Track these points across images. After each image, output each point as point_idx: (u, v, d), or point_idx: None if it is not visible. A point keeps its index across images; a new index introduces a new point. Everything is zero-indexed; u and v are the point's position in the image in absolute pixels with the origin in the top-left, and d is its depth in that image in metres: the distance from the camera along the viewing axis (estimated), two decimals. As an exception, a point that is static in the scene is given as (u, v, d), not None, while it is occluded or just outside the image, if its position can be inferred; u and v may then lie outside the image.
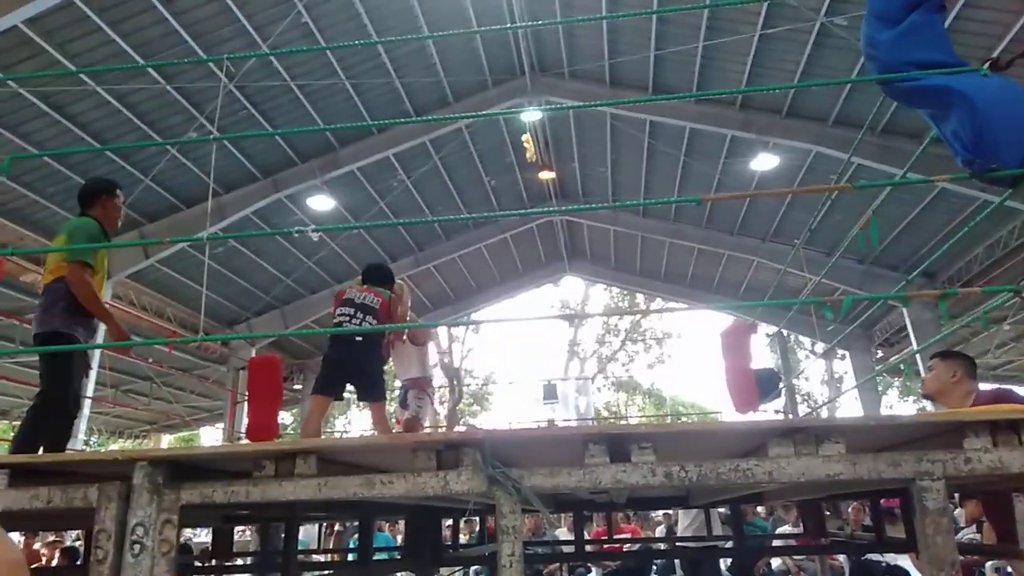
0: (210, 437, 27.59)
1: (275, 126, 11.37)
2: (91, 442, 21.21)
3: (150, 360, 15.98)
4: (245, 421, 7.34)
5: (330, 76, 10.88)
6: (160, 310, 14.69)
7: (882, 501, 4.97)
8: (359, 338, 4.54)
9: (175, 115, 10.50)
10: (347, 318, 4.58)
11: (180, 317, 15.14)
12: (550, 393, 20.04)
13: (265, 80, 10.50)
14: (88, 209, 4.10)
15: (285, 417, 24.04)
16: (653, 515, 11.20)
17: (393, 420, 6.10)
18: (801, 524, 6.52)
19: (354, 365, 4.59)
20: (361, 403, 5.13)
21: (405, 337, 5.47)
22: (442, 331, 28.66)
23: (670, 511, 8.72)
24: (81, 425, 11.54)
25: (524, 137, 13.52)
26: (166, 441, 25.28)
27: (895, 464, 1.99)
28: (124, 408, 18.09)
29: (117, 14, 8.72)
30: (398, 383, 5.88)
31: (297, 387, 19.25)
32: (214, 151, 10.33)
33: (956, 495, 5.97)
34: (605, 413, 30.44)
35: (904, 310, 13.47)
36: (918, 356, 13.13)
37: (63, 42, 8.75)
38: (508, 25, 10.68)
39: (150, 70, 9.46)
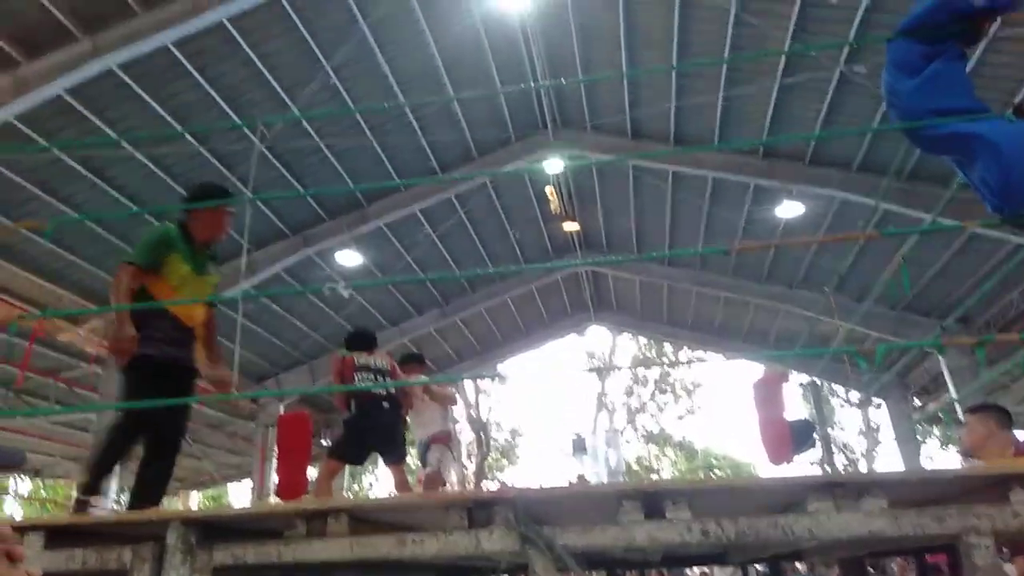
0: (239, 494, 27.52)
1: (304, 184, 11.64)
2: (121, 500, 21.25)
3: (180, 417, 16.10)
4: (275, 478, 7.34)
5: (357, 135, 11.16)
6: (191, 367, 14.85)
7: (927, 557, 4.78)
8: (387, 404, 4.61)
9: (208, 176, 10.77)
10: (375, 381, 4.68)
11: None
12: (579, 446, 19.77)
13: (295, 140, 10.79)
14: (186, 217, 3.87)
15: (313, 473, 23.87)
16: (688, 572, 10.87)
17: (414, 478, 6.11)
18: (843, 581, 6.28)
19: (383, 431, 4.65)
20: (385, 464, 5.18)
21: (426, 396, 5.56)
22: (468, 384, 28.61)
23: (706, 568, 8.47)
24: (112, 483, 11.60)
25: (548, 189, 13.68)
26: (195, 499, 25.24)
27: (940, 519, 1.93)
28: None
29: (154, 82, 9.07)
30: (418, 439, 5.91)
31: (325, 443, 19.21)
32: (248, 212, 10.59)
33: (1004, 550, 5.74)
34: (636, 467, 29.88)
35: (940, 357, 13.17)
36: (957, 404, 12.81)
37: (102, 109, 9.10)
38: (531, 83, 10.93)
39: (186, 135, 9.78)
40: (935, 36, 2.60)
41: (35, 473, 19.47)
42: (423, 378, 5.43)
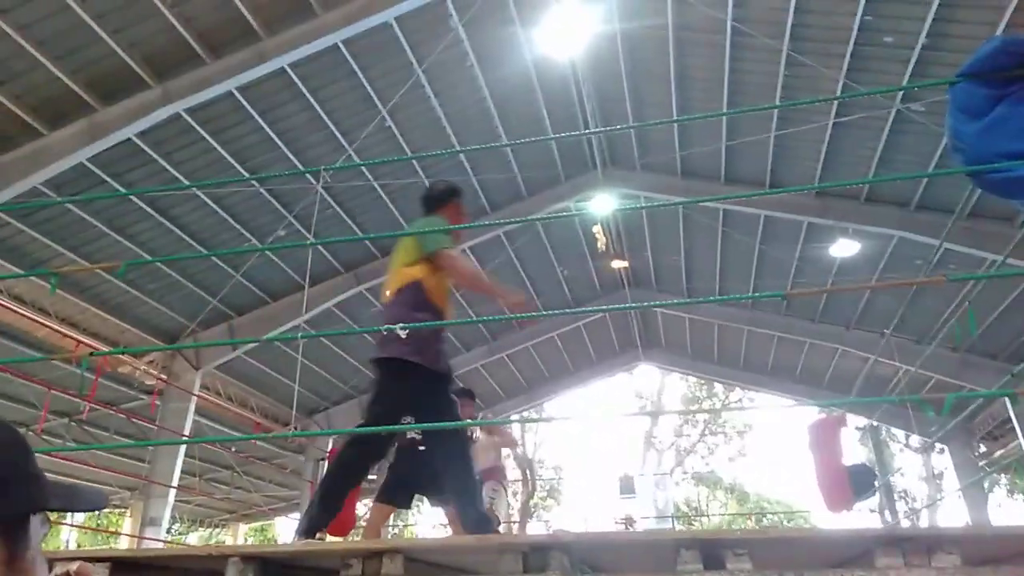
0: (286, 528, 27.69)
1: (358, 223, 11.91)
2: (173, 530, 21.62)
3: (233, 449, 16.40)
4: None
5: (411, 175, 11.40)
6: (244, 400, 15.17)
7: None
8: (424, 448, 4.43)
9: (266, 215, 11.14)
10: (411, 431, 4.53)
11: (263, 407, 15.57)
12: (627, 487, 19.43)
13: (351, 181, 11.08)
14: (436, 211, 3.70)
15: (362, 508, 23.95)
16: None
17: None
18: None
19: (423, 475, 4.55)
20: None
21: (483, 433, 5.54)
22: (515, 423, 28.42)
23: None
24: (166, 513, 11.84)
25: (595, 228, 13.71)
26: (243, 531, 25.50)
27: (1018, 579, 1.85)
28: (205, 497, 18.49)
29: (218, 125, 9.46)
30: None
31: (373, 478, 19.27)
32: (310, 253, 10.88)
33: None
34: (685, 509, 29.13)
35: (1008, 403, 12.61)
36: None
37: (169, 151, 9.51)
38: (581, 127, 11.04)
39: (246, 175, 10.14)
40: (1000, 79, 2.57)
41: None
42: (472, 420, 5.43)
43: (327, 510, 3.06)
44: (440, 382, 3.22)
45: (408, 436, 4.60)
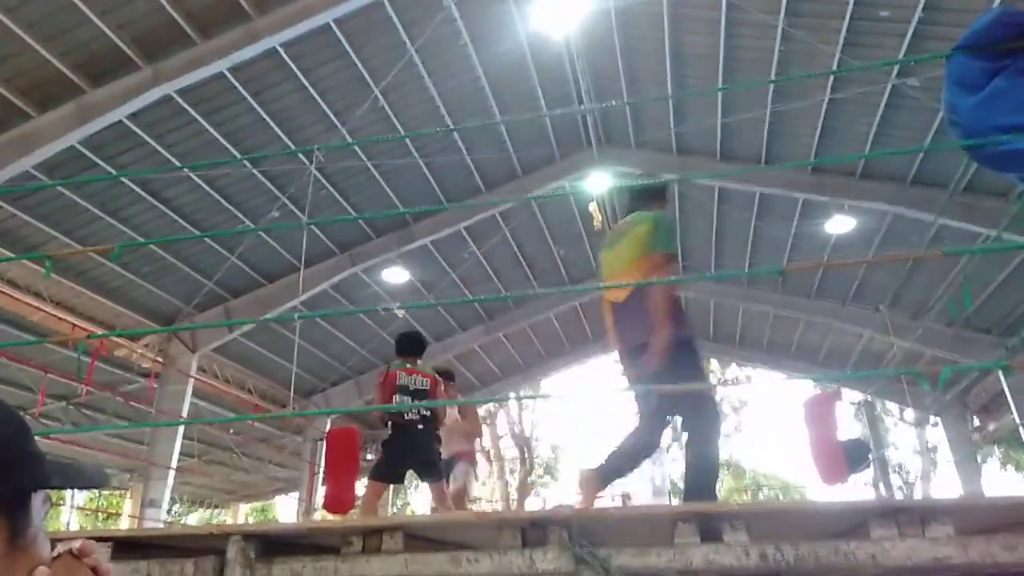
0: (286, 507, 27.89)
1: (352, 203, 11.86)
2: (173, 511, 21.75)
3: (231, 431, 16.46)
4: (322, 492, 7.43)
5: (405, 155, 11.34)
6: (241, 382, 15.19)
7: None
8: (421, 427, 4.74)
9: (260, 196, 11.09)
10: (413, 410, 4.80)
11: (260, 389, 15.60)
12: (624, 464, 19.51)
13: (344, 160, 11.02)
14: (652, 204, 3.65)
15: (361, 488, 24.11)
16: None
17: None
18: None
19: (417, 453, 4.83)
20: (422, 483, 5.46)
21: (458, 416, 5.94)
22: (512, 401, 28.56)
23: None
24: (165, 494, 11.91)
25: (591, 207, 13.67)
26: (243, 511, 25.67)
27: (1011, 547, 1.87)
28: (205, 478, 18.58)
29: (210, 106, 9.38)
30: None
31: (371, 457, 19.38)
32: (305, 234, 10.85)
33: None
34: (681, 485, 29.37)
35: (1002, 376, 12.70)
36: (1021, 426, 12.32)
37: (161, 133, 9.44)
38: (576, 103, 10.97)
39: (239, 156, 10.08)
40: (996, 52, 2.55)
41: (92, 484, 20.04)
42: (460, 399, 5.65)
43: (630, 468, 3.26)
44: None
45: (406, 416, 4.76)
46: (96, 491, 20.84)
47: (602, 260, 3.56)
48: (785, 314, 16.01)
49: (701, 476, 3.13)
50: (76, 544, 0.92)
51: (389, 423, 4.89)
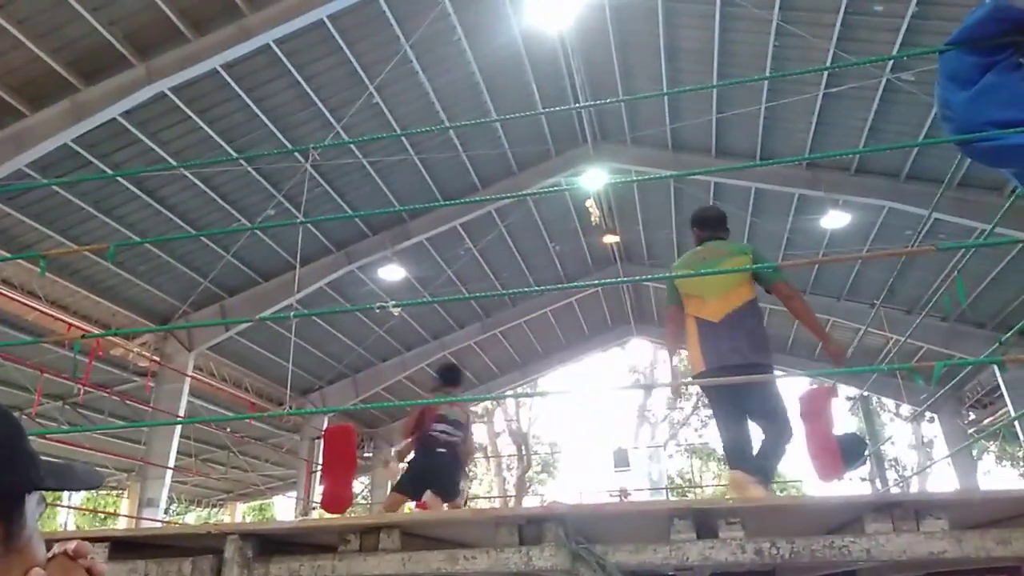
0: (284, 506, 27.89)
1: (348, 200, 11.84)
2: (171, 511, 21.73)
3: (228, 430, 16.44)
4: (320, 490, 7.43)
5: (400, 152, 11.33)
6: (238, 380, 15.17)
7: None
8: (444, 451, 5.28)
9: (255, 194, 11.06)
10: (444, 434, 5.31)
11: (257, 387, 15.59)
12: (621, 460, 19.60)
13: (339, 158, 11.00)
14: (725, 231, 4.13)
15: (357, 486, 24.12)
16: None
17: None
18: (898, 602, 6.10)
19: (439, 474, 5.28)
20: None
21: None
22: (509, 398, 28.57)
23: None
24: (163, 494, 11.90)
25: (588, 203, 13.68)
26: (240, 510, 25.66)
27: (1005, 541, 1.88)
28: (202, 477, 18.56)
29: (204, 103, 9.35)
30: None
31: (368, 455, 19.39)
32: (300, 232, 10.83)
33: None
34: (679, 480, 29.45)
35: (997, 370, 12.74)
36: (1016, 421, 12.37)
37: (155, 131, 9.41)
38: (570, 99, 10.97)
39: (233, 154, 10.05)
40: (989, 47, 2.56)
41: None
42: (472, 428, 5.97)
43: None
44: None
45: (432, 435, 5.31)
46: (92, 491, 20.80)
47: (692, 280, 3.81)
48: (781, 309, 15.97)
49: (775, 462, 3.67)
50: (71, 545, 0.92)
51: (423, 444, 5.38)
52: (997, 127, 2.45)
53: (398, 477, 5.51)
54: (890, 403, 23.97)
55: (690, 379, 3.74)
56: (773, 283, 3.76)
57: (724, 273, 3.66)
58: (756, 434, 3.80)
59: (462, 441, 5.51)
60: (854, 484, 19.05)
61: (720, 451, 31.86)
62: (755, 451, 3.63)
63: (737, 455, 3.62)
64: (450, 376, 5.82)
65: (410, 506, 5.61)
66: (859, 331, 12.98)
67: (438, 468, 5.30)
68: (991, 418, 15.81)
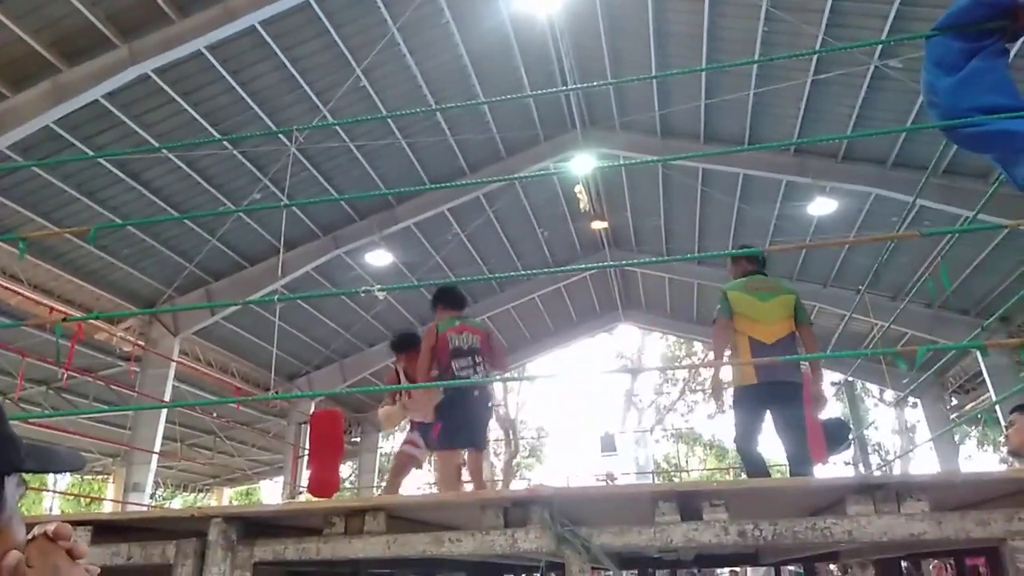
0: (270, 491, 27.89)
1: (334, 185, 11.76)
2: (157, 495, 21.70)
3: (215, 415, 16.38)
4: (307, 475, 7.43)
5: (387, 136, 11.25)
6: (224, 365, 15.11)
7: (967, 560, 4.70)
8: (477, 392, 4.55)
9: (240, 177, 10.97)
10: (469, 368, 4.54)
11: (243, 372, 15.53)
12: (608, 445, 19.71)
13: (326, 142, 10.91)
14: (765, 267, 4.73)
15: (344, 470, 24.15)
16: (719, 572, 10.79)
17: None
18: (879, 584, 6.19)
19: (479, 423, 4.63)
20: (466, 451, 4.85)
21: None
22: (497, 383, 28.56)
23: (737, 569, 8.41)
24: (149, 479, 11.87)
25: (576, 188, 13.66)
26: (227, 495, 25.64)
27: (984, 523, 1.91)
28: (189, 462, 18.52)
29: (188, 85, 9.24)
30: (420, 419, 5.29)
31: (356, 440, 19.40)
32: (284, 214, 10.75)
33: None
34: (665, 465, 29.68)
35: (979, 356, 12.89)
36: (997, 405, 12.53)
37: (139, 113, 9.29)
38: (559, 88, 10.92)
39: (216, 135, 9.95)
40: (975, 33, 2.56)
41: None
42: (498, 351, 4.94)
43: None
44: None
45: (459, 376, 4.55)
46: (77, 475, 20.72)
47: (746, 303, 4.39)
48: (767, 296, 16.09)
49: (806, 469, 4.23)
50: (51, 527, 0.91)
51: (450, 389, 4.60)
52: (982, 113, 2.45)
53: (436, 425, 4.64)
54: (874, 389, 24.22)
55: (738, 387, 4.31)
56: (803, 325, 4.45)
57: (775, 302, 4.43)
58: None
59: (486, 369, 4.66)
60: (838, 468, 19.25)
61: (707, 438, 32.03)
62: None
63: (761, 467, 4.33)
64: (453, 298, 4.90)
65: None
66: (844, 317, 13.05)
67: (477, 418, 4.58)
68: (973, 403, 16.01)
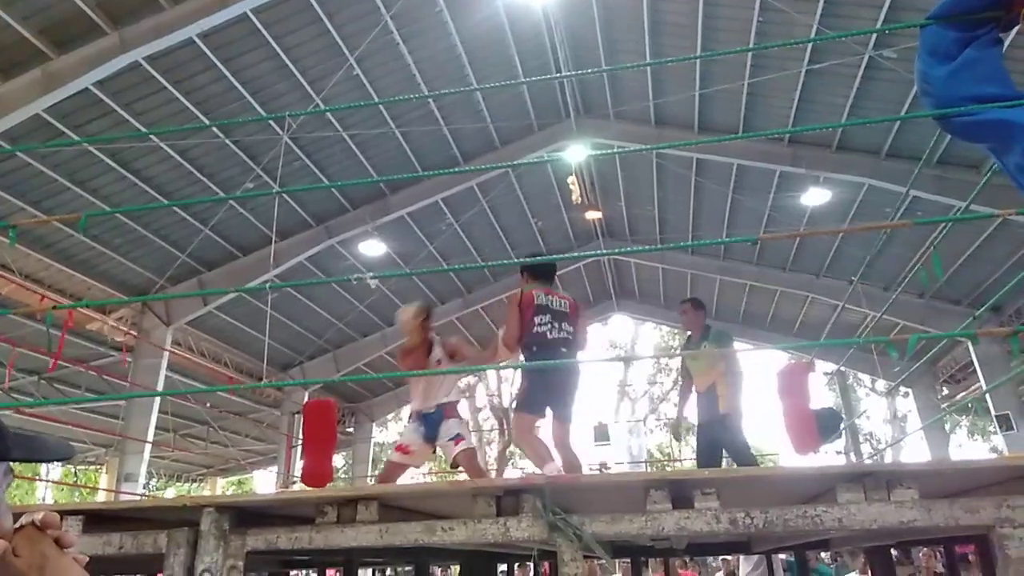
0: (264, 481, 27.92)
1: (327, 174, 11.71)
2: (150, 486, 21.68)
3: (208, 404, 16.36)
4: (300, 465, 7.43)
5: (380, 125, 11.19)
6: (218, 356, 15.07)
7: (957, 547, 4.74)
8: (565, 349, 4.22)
9: (233, 167, 10.91)
10: (548, 327, 4.22)
11: (236, 362, 15.50)
12: (601, 435, 19.77)
13: (318, 131, 10.86)
14: None
15: (337, 460, 24.18)
16: (712, 561, 10.87)
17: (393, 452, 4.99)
18: (869, 571, 6.25)
19: (569, 385, 4.26)
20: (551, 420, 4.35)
21: (441, 357, 4.92)
22: (491, 372, 28.65)
23: (729, 557, 8.46)
24: (142, 469, 11.85)
25: (570, 179, 13.63)
26: (220, 485, 25.64)
27: (973, 510, 1.92)
28: (182, 452, 18.50)
29: (180, 74, 9.17)
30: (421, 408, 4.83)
31: (349, 430, 19.42)
32: (276, 204, 10.69)
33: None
34: (658, 455, 29.81)
35: (970, 346, 12.97)
36: (987, 395, 12.61)
37: (130, 101, 9.21)
38: (553, 75, 10.88)
39: (206, 122, 9.88)
40: (970, 22, 2.55)
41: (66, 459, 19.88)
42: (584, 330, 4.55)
43: None
44: None
45: (549, 336, 4.22)
46: (70, 465, 20.68)
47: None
48: (761, 286, 16.17)
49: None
50: (39, 516, 0.90)
51: (533, 347, 4.24)
52: (975, 102, 2.45)
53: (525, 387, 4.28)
54: (866, 378, 24.36)
55: None
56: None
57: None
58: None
59: (574, 337, 4.31)
60: (830, 457, 19.39)
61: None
62: None
63: None
64: (540, 271, 4.62)
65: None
66: (837, 308, 13.11)
67: (567, 379, 4.17)
68: (964, 393, 16.12)
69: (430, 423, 4.65)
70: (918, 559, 7.33)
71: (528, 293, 4.36)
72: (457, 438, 4.56)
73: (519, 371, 4.85)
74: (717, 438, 5.54)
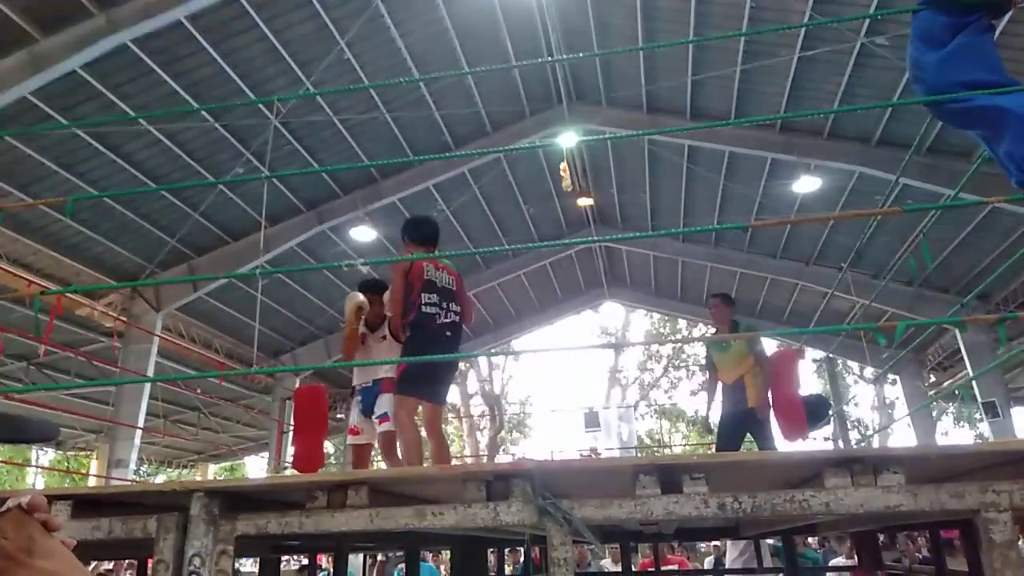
0: (255, 467, 27.93)
1: (318, 159, 11.63)
2: (141, 471, 21.66)
3: (199, 391, 16.32)
4: (291, 451, 7.44)
5: (371, 110, 11.12)
6: (208, 341, 15.02)
7: (942, 532, 4.79)
8: (450, 334, 3.96)
9: (223, 151, 10.83)
10: (437, 309, 3.93)
11: (227, 348, 15.45)
12: (592, 421, 19.86)
13: (309, 115, 10.78)
14: None
15: (328, 446, 24.20)
16: (700, 546, 10.96)
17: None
18: (855, 556, 6.32)
19: (449, 371, 4.14)
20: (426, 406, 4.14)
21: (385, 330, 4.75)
22: (482, 358, 28.74)
23: (718, 542, 8.53)
24: (132, 455, 11.83)
25: (561, 165, 13.59)
26: (212, 470, 25.64)
27: (958, 495, 1.94)
28: (173, 438, 18.48)
29: (168, 57, 9.06)
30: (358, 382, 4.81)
31: (340, 416, 19.41)
32: (265, 188, 10.61)
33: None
34: (648, 441, 30.00)
35: (958, 333, 13.07)
36: (974, 382, 12.73)
37: (118, 84, 9.11)
38: (545, 58, 10.82)
39: (196, 106, 9.79)
40: (961, 8, 2.55)
41: (57, 444, 19.85)
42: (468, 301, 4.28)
43: None
44: None
45: (438, 320, 3.96)
46: (60, 452, 20.62)
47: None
48: (751, 273, 16.23)
49: None
50: (25, 499, 0.90)
51: (417, 327, 3.91)
52: (966, 88, 2.46)
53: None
54: (854, 365, 24.54)
55: None
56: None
57: None
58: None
59: (461, 317, 4.07)
60: (818, 444, 19.56)
61: (690, 414, 32.38)
62: None
63: None
64: (424, 232, 4.26)
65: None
66: (826, 295, 13.17)
67: (451, 362, 4.04)
68: (951, 380, 16.27)
69: (367, 397, 4.65)
70: (904, 544, 7.41)
71: (418, 264, 3.99)
72: (384, 417, 4.44)
73: (395, 348, 4.56)
74: (741, 430, 5.75)
